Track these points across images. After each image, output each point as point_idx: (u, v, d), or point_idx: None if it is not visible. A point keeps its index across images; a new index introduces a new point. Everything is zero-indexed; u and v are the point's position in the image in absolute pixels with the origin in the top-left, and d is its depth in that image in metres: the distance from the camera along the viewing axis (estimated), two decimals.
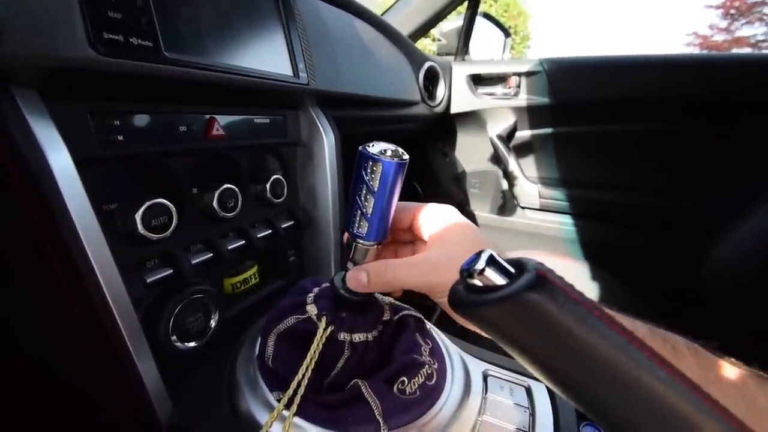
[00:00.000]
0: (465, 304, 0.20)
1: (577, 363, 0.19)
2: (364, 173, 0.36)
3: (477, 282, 0.20)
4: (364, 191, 0.36)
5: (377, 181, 0.36)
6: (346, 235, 0.41)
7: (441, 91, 1.38)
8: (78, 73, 0.33)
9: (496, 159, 1.50)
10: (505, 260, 0.20)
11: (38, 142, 0.31)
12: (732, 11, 13.64)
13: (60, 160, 0.32)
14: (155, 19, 0.38)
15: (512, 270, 0.20)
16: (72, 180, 0.33)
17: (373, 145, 0.36)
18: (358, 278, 0.38)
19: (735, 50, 13.90)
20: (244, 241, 0.57)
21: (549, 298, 0.18)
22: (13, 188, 0.32)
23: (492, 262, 0.20)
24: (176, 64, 0.40)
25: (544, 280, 0.18)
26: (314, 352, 0.40)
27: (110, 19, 0.34)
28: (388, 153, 0.36)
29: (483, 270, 0.20)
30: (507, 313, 0.19)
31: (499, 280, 0.19)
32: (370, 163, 0.35)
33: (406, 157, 0.37)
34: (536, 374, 0.20)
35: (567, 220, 1.39)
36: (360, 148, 0.36)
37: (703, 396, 0.18)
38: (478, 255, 0.20)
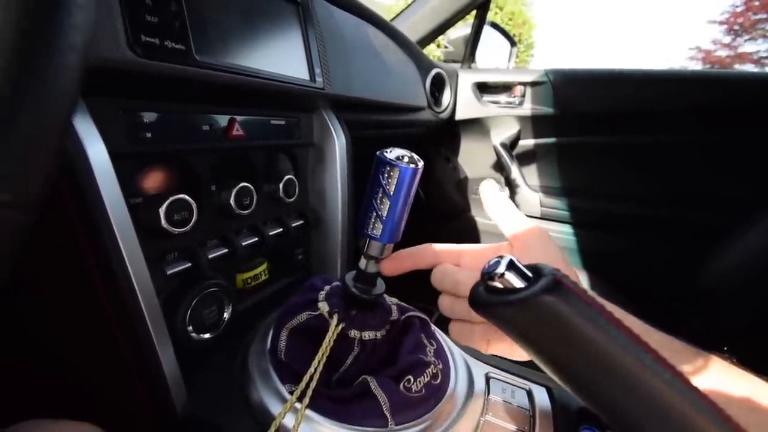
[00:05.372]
0: (485, 304, 0.22)
1: (587, 361, 0.20)
2: (381, 177, 0.38)
3: (497, 284, 0.22)
4: (380, 194, 0.38)
5: (393, 186, 0.38)
6: None
7: (447, 97, 1.40)
8: (116, 72, 0.35)
9: (499, 167, 1.51)
10: (523, 265, 0.22)
11: (78, 134, 0.33)
12: (735, 27, 13.72)
13: (97, 153, 0.34)
14: (188, 23, 0.40)
15: (530, 274, 0.21)
16: (107, 173, 0.34)
17: (390, 151, 0.38)
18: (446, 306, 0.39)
19: (737, 66, 13.98)
20: (256, 238, 0.58)
21: (563, 300, 0.20)
22: None
23: (512, 266, 0.21)
24: (205, 66, 0.42)
25: (560, 285, 0.20)
26: (326, 347, 0.42)
27: (148, 23, 0.36)
28: (405, 159, 0.38)
29: (503, 274, 0.21)
30: (524, 314, 0.21)
31: (518, 283, 0.21)
32: (388, 168, 0.37)
33: (421, 163, 0.39)
34: (548, 371, 0.22)
35: (567, 229, 1.41)
36: (378, 153, 0.38)
37: (702, 397, 0.20)
38: (500, 259, 0.22)
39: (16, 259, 0.17)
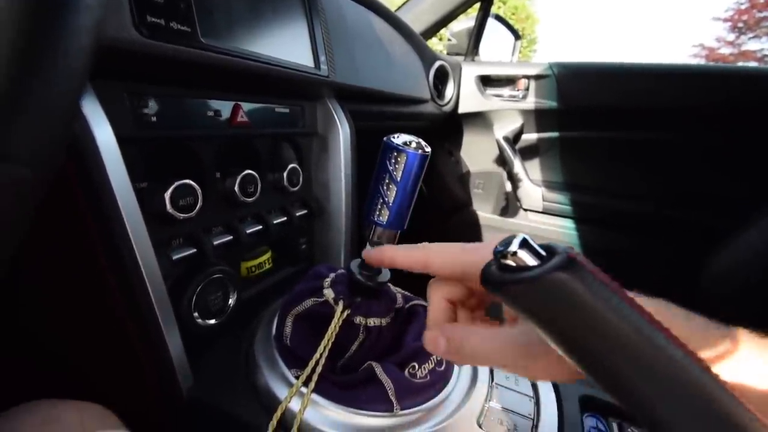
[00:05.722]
0: (498, 282, 0.22)
1: (600, 340, 0.20)
2: (388, 163, 0.37)
3: (510, 263, 0.21)
4: (387, 180, 0.38)
5: (400, 171, 0.37)
6: None
7: (450, 90, 1.39)
8: (122, 53, 0.35)
9: (501, 160, 1.51)
10: (537, 244, 0.22)
11: (85, 117, 0.32)
12: (740, 25, 13.63)
13: (104, 136, 0.33)
14: (193, 5, 0.40)
15: (543, 253, 0.21)
16: (114, 156, 0.34)
17: (397, 137, 0.38)
18: (437, 344, 0.31)
19: (741, 64, 13.90)
20: (261, 227, 0.58)
21: (577, 278, 0.20)
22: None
23: (525, 244, 0.21)
24: (211, 50, 0.42)
25: (574, 262, 0.20)
26: (332, 333, 0.42)
27: (154, 3, 0.36)
28: (413, 145, 0.37)
29: (516, 252, 0.21)
30: (537, 292, 0.20)
31: (531, 261, 0.21)
32: (395, 153, 0.37)
33: (429, 149, 0.38)
34: (560, 351, 0.22)
35: (569, 224, 1.41)
36: (385, 139, 0.38)
37: (716, 378, 0.19)
38: (512, 238, 0.22)
39: (23, 231, 0.17)
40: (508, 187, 1.54)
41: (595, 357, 0.21)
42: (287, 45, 0.56)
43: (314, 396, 0.40)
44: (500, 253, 0.22)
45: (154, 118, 0.42)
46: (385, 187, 0.38)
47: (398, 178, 0.38)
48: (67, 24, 0.14)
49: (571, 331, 0.21)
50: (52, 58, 0.14)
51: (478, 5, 1.45)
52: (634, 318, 0.20)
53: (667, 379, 0.19)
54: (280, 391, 0.41)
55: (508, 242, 0.22)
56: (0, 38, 0.12)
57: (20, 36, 0.12)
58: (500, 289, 0.22)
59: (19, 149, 0.13)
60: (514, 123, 1.46)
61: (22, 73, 0.13)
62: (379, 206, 0.39)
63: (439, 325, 0.32)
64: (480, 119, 1.49)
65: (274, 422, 0.37)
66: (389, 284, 0.49)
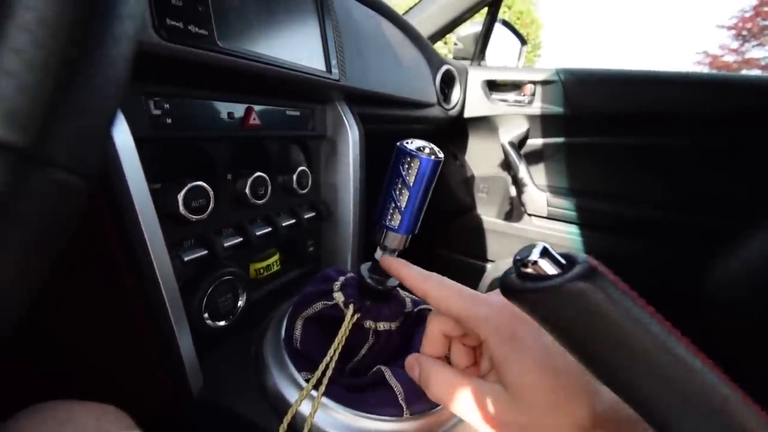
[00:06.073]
0: (519, 290, 0.22)
1: (618, 349, 0.20)
2: (401, 168, 0.38)
3: (530, 271, 0.22)
4: (400, 185, 0.38)
5: (413, 177, 0.37)
6: None
7: (456, 94, 1.39)
8: (141, 55, 0.35)
9: (506, 165, 1.51)
10: (558, 253, 0.22)
11: None
12: (744, 32, 13.65)
13: (122, 137, 0.34)
14: (211, 9, 0.40)
15: (564, 262, 0.21)
16: (132, 157, 0.35)
17: (411, 142, 0.38)
18: (413, 371, 0.34)
19: (744, 71, 13.89)
20: (270, 229, 0.58)
21: (598, 287, 0.20)
22: None
23: (546, 253, 0.21)
24: (228, 53, 0.42)
25: (595, 272, 0.20)
26: (342, 336, 0.42)
27: (173, 6, 0.36)
28: (426, 150, 0.38)
29: (536, 261, 0.21)
30: (557, 301, 0.21)
31: (551, 270, 0.21)
32: (408, 159, 0.37)
33: (442, 155, 0.38)
34: (579, 361, 0.22)
35: (574, 229, 1.40)
36: (398, 144, 0.38)
37: (733, 386, 0.19)
38: (532, 247, 0.22)
39: (66, 240, 0.17)
40: (513, 191, 1.54)
41: (612, 366, 0.21)
42: (300, 48, 0.56)
43: (324, 399, 0.40)
44: (520, 261, 0.22)
45: (169, 120, 0.42)
46: (397, 192, 0.38)
47: (411, 183, 0.38)
48: (113, 33, 0.14)
49: (589, 340, 0.21)
50: (98, 66, 0.14)
51: (485, 10, 1.45)
52: (653, 328, 0.20)
53: (684, 390, 0.19)
54: (290, 394, 0.41)
55: (528, 250, 0.22)
56: (50, 47, 0.12)
57: (69, 45, 0.13)
58: (520, 297, 0.22)
59: (63, 154, 0.14)
60: (520, 128, 1.46)
61: (70, 81, 0.13)
62: (391, 211, 0.39)
63: (429, 353, 0.34)
64: (485, 123, 1.50)
65: (284, 425, 0.37)
66: (398, 288, 0.49)
